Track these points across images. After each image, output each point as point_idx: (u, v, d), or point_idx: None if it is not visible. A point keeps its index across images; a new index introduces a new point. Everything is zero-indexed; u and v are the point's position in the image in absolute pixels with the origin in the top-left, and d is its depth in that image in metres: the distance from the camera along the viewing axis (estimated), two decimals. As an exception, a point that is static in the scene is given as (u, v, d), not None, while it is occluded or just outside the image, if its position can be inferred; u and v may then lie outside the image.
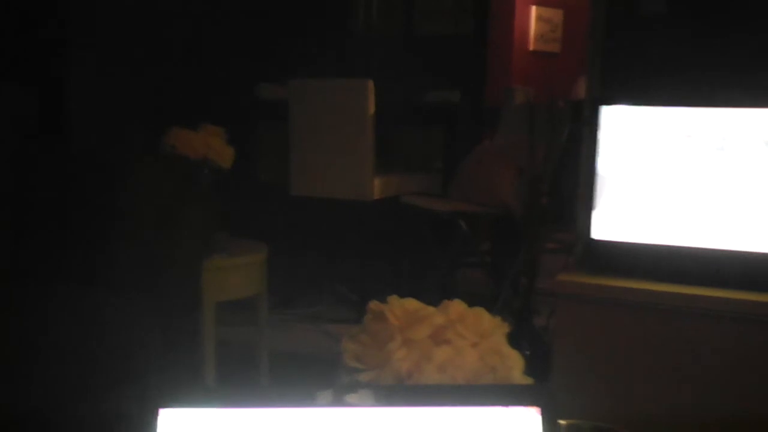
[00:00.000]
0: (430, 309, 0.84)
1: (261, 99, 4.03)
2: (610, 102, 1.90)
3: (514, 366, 0.80)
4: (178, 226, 2.23)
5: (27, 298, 1.93)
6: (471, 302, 0.86)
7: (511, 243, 3.14)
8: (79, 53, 3.49)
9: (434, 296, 0.88)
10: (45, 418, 1.75)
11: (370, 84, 3.40)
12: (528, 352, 0.81)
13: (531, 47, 5.51)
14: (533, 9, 5.49)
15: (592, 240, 1.90)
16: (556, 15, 5.64)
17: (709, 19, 2.09)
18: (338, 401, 0.69)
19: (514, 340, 0.84)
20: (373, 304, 0.85)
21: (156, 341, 2.05)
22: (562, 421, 0.86)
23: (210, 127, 2.57)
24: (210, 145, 2.51)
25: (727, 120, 1.79)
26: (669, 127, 1.84)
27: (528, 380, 0.81)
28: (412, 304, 0.84)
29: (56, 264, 2.07)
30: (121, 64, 3.62)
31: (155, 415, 0.69)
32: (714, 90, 1.88)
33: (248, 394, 0.70)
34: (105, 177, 2.22)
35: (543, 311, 2.80)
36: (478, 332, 0.81)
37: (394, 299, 0.85)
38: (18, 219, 2.14)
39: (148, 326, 2.05)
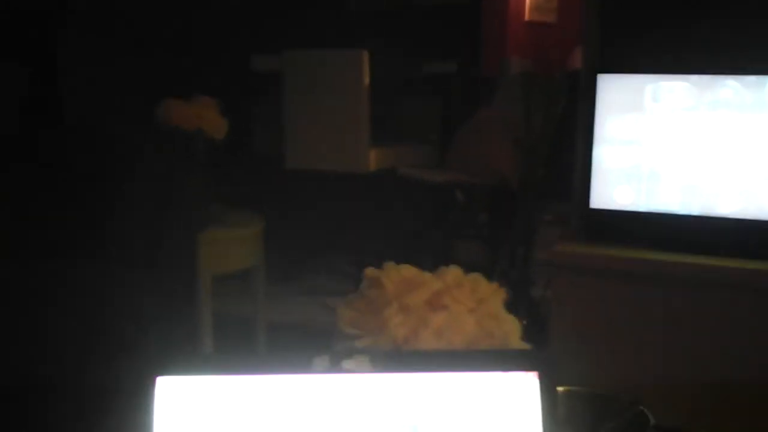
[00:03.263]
0: (427, 275, 0.83)
1: (255, 70, 3.99)
2: (607, 70, 1.89)
3: (511, 331, 0.80)
4: (174, 198, 2.22)
5: (25, 272, 1.93)
6: (468, 272, 0.85)
7: (508, 213, 3.14)
8: (69, 27, 3.46)
9: (431, 267, 0.87)
10: (46, 388, 1.75)
11: (365, 54, 3.37)
12: (525, 322, 0.80)
13: (527, 17, 5.47)
14: (529, -21, 5.45)
15: (590, 209, 1.89)
16: (552, -15, 5.60)
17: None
18: (335, 367, 0.68)
19: (511, 310, 0.83)
20: (369, 271, 0.84)
21: (153, 313, 2.05)
22: (560, 388, 0.86)
23: (203, 98, 2.56)
24: (203, 116, 2.50)
25: (726, 86, 1.78)
26: (667, 95, 1.82)
27: (525, 345, 0.80)
28: (408, 270, 0.84)
29: (53, 238, 2.07)
30: (113, 37, 3.59)
31: (152, 383, 0.68)
32: (716, 56, 1.87)
33: (245, 362, 0.70)
34: (99, 151, 2.21)
35: (540, 281, 2.80)
36: (475, 298, 0.80)
37: (390, 266, 0.84)
38: (14, 195, 2.14)
39: (145, 298, 2.05)
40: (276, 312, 3.04)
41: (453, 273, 0.82)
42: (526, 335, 0.83)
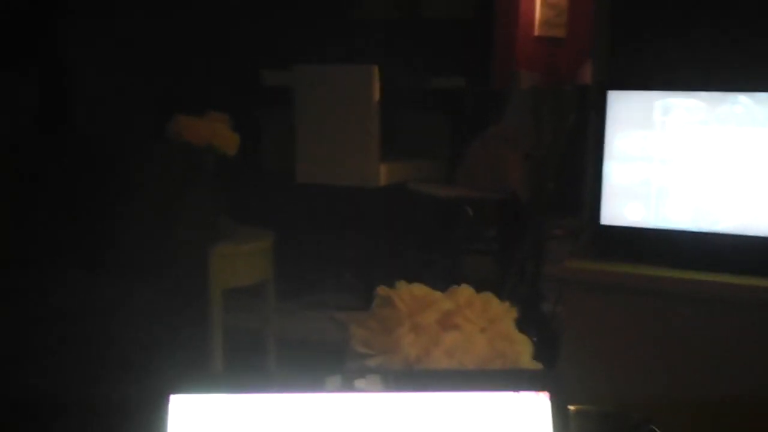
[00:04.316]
0: (438, 294, 0.83)
1: (265, 85, 4.01)
2: (617, 87, 1.89)
3: (522, 351, 0.80)
4: (184, 213, 2.23)
5: (35, 285, 1.93)
6: (478, 288, 0.85)
7: (518, 229, 3.14)
8: (81, 40, 3.49)
9: (440, 283, 0.87)
10: (55, 403, 1.75)
11: (375, 70, 3.38)
12: (535, 338, 0.80)
13: (536, 32, 5.48)
14: (538, -6, 5.47)
15: (600, 225, 1.89)
16: (561, 0, 5.61)
17: None
18: (347, 387, 0.69)
19: (521, 325, 0.83)
20: (382, 290, 0.84)
21: (163, 328, 2.05)
22: (571, 407, 0.86)
23: (215, 113, 2.57)
24: (215, 131, 2.50)
25: (736, 103, 1.78)
26: (677, 112, 1.82)
27: (537, 365, 0.81)
28: (420, 289, 0.84)
29: (63, 251, 2.07)
30: (125, 51, 3.62)
31: (166, 401, 0.69)
32: (726, 73, 1.87)
33: (258, 380, 0.70)
34: (111, 164, 2.22)
35: (550, 297, 2.79)
36: (487, 317, 0.80)
37: (402, 284, 0.84)
38: (24, 207, 2.14)
39: (155, 313, 2.05)
40: (285, 326, 3.05)
41: (464, 292, 0.82)
42: (537, 352, 0.83)
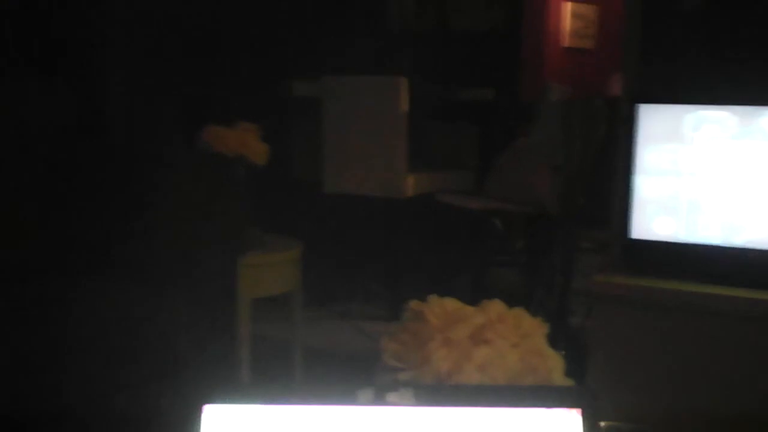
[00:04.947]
0: (470, 309, 0.83)
1: (294, 95, 4.03)
2: (647, 100, 1.88)
3: (554, 368, 0.80)
4: (214, 223, 2.25)
5: (64, 293, 1.95)
6: (505, 301, 0.86)
7: (546, 242, 3.12)
8: (115, 51, 3.53)
9: (468, 295, 0.88)
10: (80, 413, 1.77)
11: (404, 81, 3.39)
12: (564, 353, 0.80)
13: (565, 44, 5.47)
14: (567, 5, 5.45)
15: (630, 240, 1.88)
16: (590, 11, 5.58)
17: (750, 11, 2.05)
18: (379, 400, 0.69)
19: (549, 340, 0.83)
20: (413, 303, 0.85)
21: (191, 337, 2.06)
22: (601, 423, 0.86)
23: (245, 124, 2.59)
24: (245, 142, 2.52)
25: (767, 116, 1.76)
26: (707, 126, 1.81)
27: (568, 382, 0.80)
28: (451, 303, 0.84)
29: (93, 261, 2.09)
30: (157, 62, 3.65)
31: (200, 411, 0.69)
32: (757, 87, 1.85)
33: (290, 392, 0.71)
34: (142, 173, 2.24)
35: (578, 311, 2.78)
36: (518, 333, 0.80)
37: (433, 299, 0.85)
38: (56, 216, 2.17)
39: (183, 322, 2.07)
40: (313, 336, 3.05)
41: (496, 307, 0.83)
42: (565, 367, 0.83)
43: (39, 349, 1.82)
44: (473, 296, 0.87)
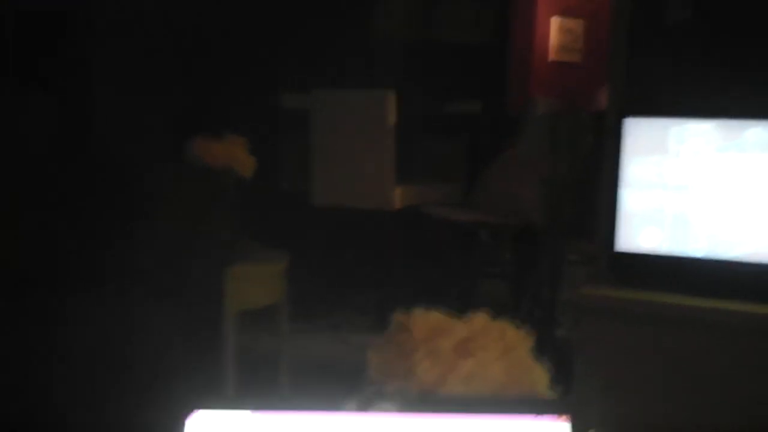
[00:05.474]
0: (454, 321, 0.84)
1: (283, 108, 4.04)
2: (633, 113, 1.89)
3: (539, 380, 0.80)
4: (201, 235, 2.25)
5: (52, 304, 1.95)
6: (492, 312, 0.86)
7: (533, 254, 3.13)
8: (104, 62, 3.52)
9: (455, 307, 0.88)
10: (69, 423, 1.76)
11: (391, 94, 3.40)
12: (550, 363, 0.80)
13: (552, 57, 5.50)
14: (554, 20, 5.48)
15: (616, 252, 1.89)
16: (577, 25, 5.61)
17: (736, 25, 2.07)
18: (365, 407, 0.69)
19: (536, 350, 0.84)
20: (398, 315, 0.85)
21: (178, 347, 2.06)
22: (590, 431, 0.86)
23: (233, 137, 2.59)
24: (233, 155, 2.52)
25: (752, 130, 1.78)
26: (693, 139, 1.83)
27: (553, 395, 0.81)
28: (436, 315, 0.84)
29: (80, 271, 2.09)
30: (147, 74, 3.65)
31: (183, 420, 0.70)
32: (742, 100, 1.87)
33: (278, 399, 0.71)
34: (129, 185, 2.24)
35: (565, 322, 2.78)
36: (503, 345, 0.81)
37: (418, 311, 0.85)
38: (42, 227, 2.16)
39: (170, 333, 2.06)
40: (299, 347, 3.05)
41: (480, 319, 0.83)
42: (551, 377, 0.83)
43: (27, 361, 1.81)
44: (461, 308, 0.87)
